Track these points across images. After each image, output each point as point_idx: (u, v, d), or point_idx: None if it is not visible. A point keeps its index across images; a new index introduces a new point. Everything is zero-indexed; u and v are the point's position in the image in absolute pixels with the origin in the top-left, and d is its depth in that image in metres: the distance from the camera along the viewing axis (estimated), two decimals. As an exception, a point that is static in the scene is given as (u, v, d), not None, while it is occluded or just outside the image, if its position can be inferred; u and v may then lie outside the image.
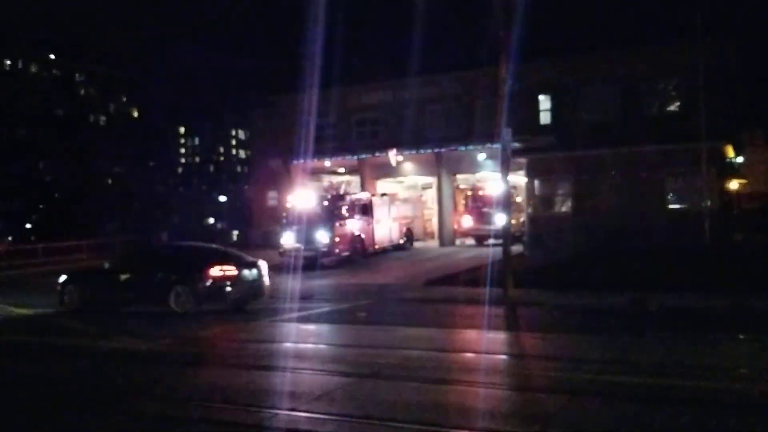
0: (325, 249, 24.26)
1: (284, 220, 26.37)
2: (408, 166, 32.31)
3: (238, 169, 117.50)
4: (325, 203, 26.21)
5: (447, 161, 31.13)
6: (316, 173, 35.22)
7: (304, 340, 11.81)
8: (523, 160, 27.10)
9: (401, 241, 28.92)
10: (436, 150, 30.63)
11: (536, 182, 27.80)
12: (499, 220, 25.87)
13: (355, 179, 33.74)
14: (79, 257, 34.84)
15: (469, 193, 31.07)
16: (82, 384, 8.78)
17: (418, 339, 11.29)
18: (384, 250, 27.47)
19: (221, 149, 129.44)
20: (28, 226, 63.95)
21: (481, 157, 30.01)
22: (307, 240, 24.08)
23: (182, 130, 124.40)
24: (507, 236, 16.27)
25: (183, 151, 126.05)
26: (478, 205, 29.38)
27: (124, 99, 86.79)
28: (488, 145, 27.99)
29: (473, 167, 31.40)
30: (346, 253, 25.02)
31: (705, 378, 8.01)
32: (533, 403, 7.33)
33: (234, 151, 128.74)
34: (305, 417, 6.87)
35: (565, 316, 13.08)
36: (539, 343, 10.89)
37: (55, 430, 7.04)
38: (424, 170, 32.24)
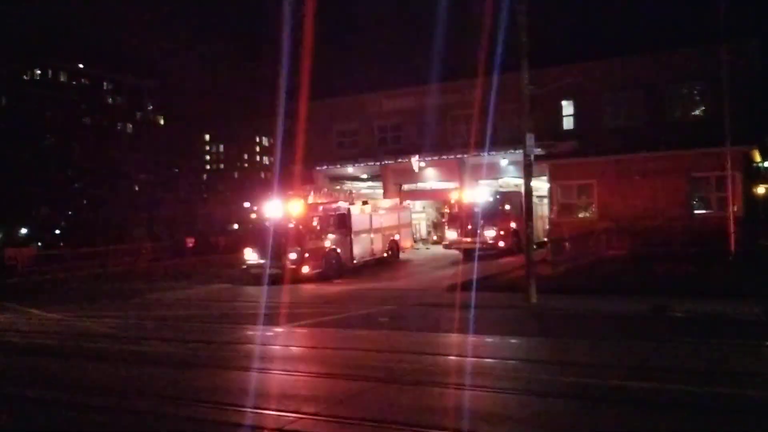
0: (292, 266, 21.87)
1: (249, 233, 24.30)
2: (430, 172, 32.40)
3: (262, 175, 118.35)
4: (293, 214, 23.02)
5: (469, 167, 31.16)
6: (339, 179, 35.48)
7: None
8: (545, 166, 27.04)
9: (385, 255, 26.47)
10: (459, 156, 30.67)
11: (559, 188, 27.68)
12: (488, 231, 25.64)
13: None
14: (106, 263, 35.37)
15: (452, 201, 28.45)
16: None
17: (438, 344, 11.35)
18: (366, 265, 25.08)
19: (245, 156, 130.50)
20: (57, 232, 65.07)
21: (504, 162, 30.02)
22: (273, 256, 21.59)
23: (207, 137, 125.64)
24: (530, 243, 16.29)
25: (208, 158, 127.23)
26: (462, 215, 26.91)
27: (150, 107, 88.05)
28: (511, 150, 28.02)
29: (496, 173, 31.38)
30: (317, 270, 22.47)
31: (729, 384, 7.97)
32: (553, 408, 7.36)
33: (258, 158, 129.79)
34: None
35: (589, 321, 13.02)
36: (563, 348, 10.87)
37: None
38: (446, 176, 32.29)
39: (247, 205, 22.24)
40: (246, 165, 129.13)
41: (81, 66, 79.47)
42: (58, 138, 70.83)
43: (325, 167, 34.52)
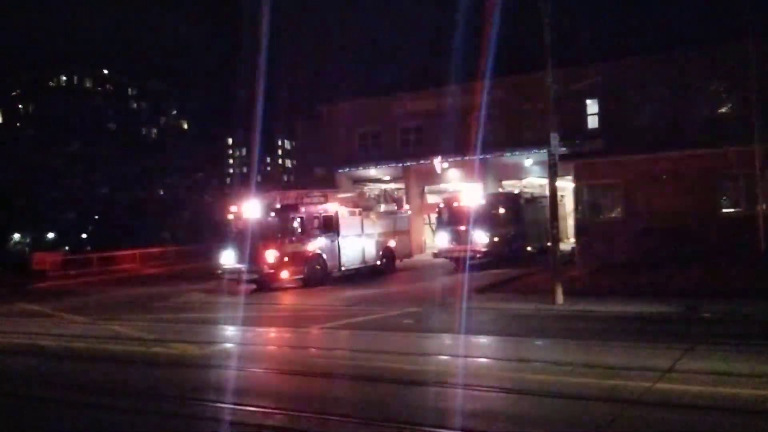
0: (270, 270, 20.63)
1: (226, 235, 22.61)
2: (453, 173, 32.28)
3: (285, 178, 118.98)
4: (273, 215, 21.66)
5: (493, 168, 31.00)
6: (362, 181, 35.53)
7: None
8: (570, 165, 26.77)
9: (378, 262, 24.47)
10: (482, 156, 30.51)
11: (585, 188, 27.39)
12: (479, 238, 23.69)
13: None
14: (131, 266, 35.81)
15: (442, 205, 26.66)
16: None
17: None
18: (358, 272, 23.49)
19: (268, 159, 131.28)
20: (84, 236, 65.96)
21: (528, 162, 29.81)
22: (251, 260, 20.44)
23: (230, 140, 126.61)
24: (555, 244, 16.14)
25: (231, 161, 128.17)
26: (452, 220, 25.04)
27: (174, 112, 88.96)
28: (535, 150, 27.82)
29: (520, 173, 31.20)
30: (298, 276, 21.23)
31: (760, 387, 7.84)
32: (585, 411, 7.26)
33: (280, 161, 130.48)
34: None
35: (616, 323, 12.85)
36: (591, 351, 10.73)
37: None
38: (469, 177, 32.14)
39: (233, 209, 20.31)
40: (268, 168, 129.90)
41: (106, 72, 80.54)
42: (83, 143, 71.85)
43: (347, 169, 34.59)
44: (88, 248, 55.34)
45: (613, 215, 26.67)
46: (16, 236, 62.93)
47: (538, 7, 15.98)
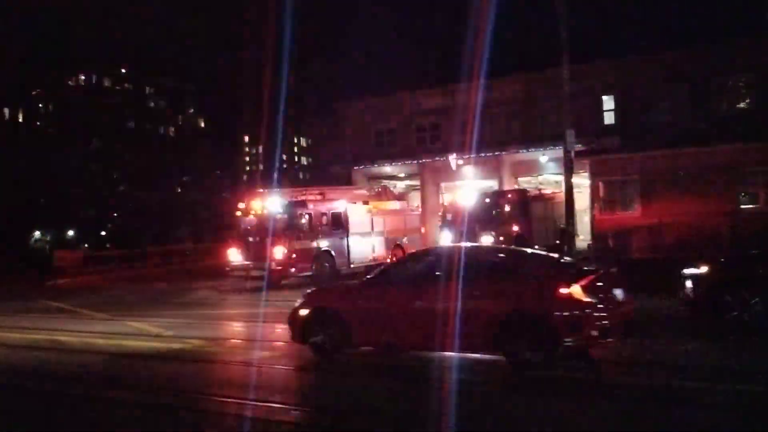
0: (278, 267, 20.40)
1: (235, 232, 22.46)
2: (469, 170, 32.25)
3: (301, 176, 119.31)
4: (281, 211, 21.43)
5: (509, 164, 30.95)
6: (377, 179, 35.59)
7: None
8: (586, 162, 26.66)
9: (388, 260, 23.90)
10: (497, 153, 30.46)
11: (601, 184, 27.25)
12: (484, 238, 22.70)
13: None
14: (150, 263, 36.19)
15: (446, 204, 25.99)
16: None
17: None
18: (368, 269, 23.10)
19: (284, 157, 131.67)
20: (103, 233, 66.67)
21: (544, 159, 29.71)
22: (257, 256, 20.43)
23: (246, 138, 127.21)
24: (572, 241, 16.15)
25: (247, 159, 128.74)
26: (456, 221, 24.28)
27: (191, 110, 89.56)
28: (551, 147, 27.71)
29: (535, 170, 31.12)
30: (306, 273, 20.97)
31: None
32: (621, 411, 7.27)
33: (296, 159, 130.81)
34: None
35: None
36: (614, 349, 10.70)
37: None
38: (485, 174, 32.11)
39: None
40: (285, 166, 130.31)
41: (124, 71, 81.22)
42: (102, 142, 72.57)
43: (363, 166, 34.67)
44: (108, 245, 55.95)
45: (630, 212, 26.54)
46: (37, 234, 63.80)
47: (554, 3, 15.97)
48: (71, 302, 20.39)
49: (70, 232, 65.15)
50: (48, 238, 62.82)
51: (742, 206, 24.36)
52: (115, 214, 69.69)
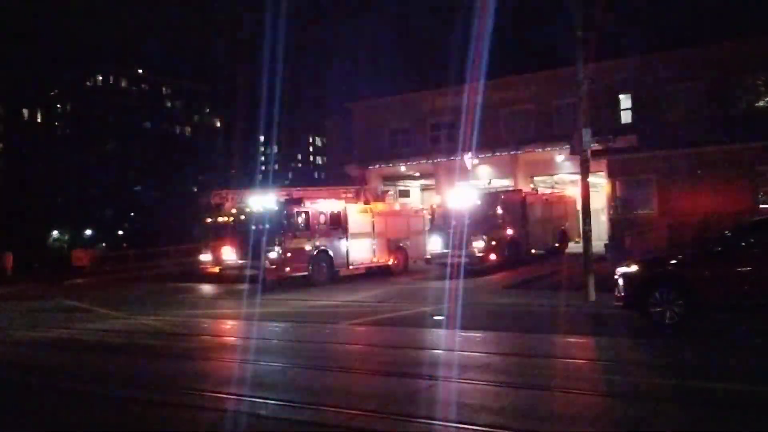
0: (272, 266, 20.15)
1: (229, 230, 21.96)
2: (484, 170, 32.16)
3: (315, 175, 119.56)
4: (275, 210, 20.95)
5: (524, 163, 30.81)
6: (392, 178, 35.58)
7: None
8: (603, 161, 26.47)
9: (390, 263, 23.74)
10: (513, 152, 30.34)
11: (617, 183, 27.05)
12: (475, 242, 21.23)
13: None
14: (166, 262, 36.39)
15: (435, 206, 24.74)
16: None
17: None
18: (368, 271, 23.24)
19: (299, 156, 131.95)
20: (120, 233, 67.24)
21: (560, 158, 29.54)
22: (252, 255, 19.99)
23: (261, 138, 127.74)
24: (588, 240, 15.99)
25: (263, 158, 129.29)
26: (446, 223, 22.74)
27: (207, 111, 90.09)
28: (566, 146, 27.51)
29: (551, 169, 30.95)
30: (302, 273, 20.76)
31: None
32: (617, 409, 7.23)
33: (311, 158, 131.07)
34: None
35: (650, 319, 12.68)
36: (626, 348, 10.64)
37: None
38: (500, 173, 32.00)
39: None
40: (300, 165, 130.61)
41: (140, 72, 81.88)
42: (119, 142, 73.20)
43: (377, 166, 34.67)
44: (125, 245, 56.40)
45: (647, 211, 26.33)
46: (55, 233, 64.49)
47: (570, 2, 15.85)
48: (87, 301, 20.55)
49: (88, 232, 65.77)
50: (66, 238, 63.47)
51: (761, 205, 24.08)
52: (132, 214, 70.25)
